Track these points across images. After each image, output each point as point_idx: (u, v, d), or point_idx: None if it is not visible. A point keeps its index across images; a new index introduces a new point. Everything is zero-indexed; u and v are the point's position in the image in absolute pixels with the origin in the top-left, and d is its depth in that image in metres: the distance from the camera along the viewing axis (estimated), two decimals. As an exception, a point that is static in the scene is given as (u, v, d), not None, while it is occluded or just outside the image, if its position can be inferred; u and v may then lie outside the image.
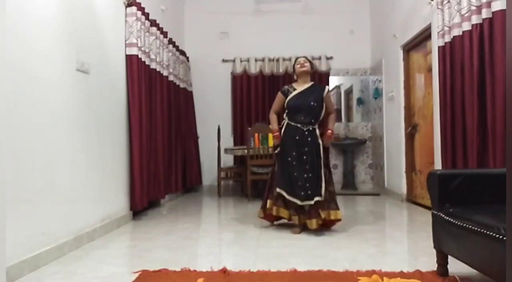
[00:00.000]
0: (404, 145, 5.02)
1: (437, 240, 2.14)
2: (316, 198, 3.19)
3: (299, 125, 3.33)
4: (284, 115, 3.47)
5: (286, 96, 3.44)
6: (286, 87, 3.51)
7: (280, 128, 3.45)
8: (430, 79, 4.24)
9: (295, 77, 3.54)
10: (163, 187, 4.62)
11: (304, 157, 3.27)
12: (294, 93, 3.41)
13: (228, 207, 4.93)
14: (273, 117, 3.58)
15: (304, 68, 3.42)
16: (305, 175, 3.25)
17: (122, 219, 3.67)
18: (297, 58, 3.54)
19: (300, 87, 3.44)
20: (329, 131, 3.40)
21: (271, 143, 5.22)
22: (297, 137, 3.30)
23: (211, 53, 6.60)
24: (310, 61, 3.50)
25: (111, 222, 3.43)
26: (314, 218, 3.18)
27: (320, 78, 6.44)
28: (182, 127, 5.65)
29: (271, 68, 6.49)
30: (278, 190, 3.33)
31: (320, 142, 3.32)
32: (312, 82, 3.50)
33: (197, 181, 6.16)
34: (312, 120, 3.33)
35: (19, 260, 2.22)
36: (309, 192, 3.21)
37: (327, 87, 3.51)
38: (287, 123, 3.40)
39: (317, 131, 3.35)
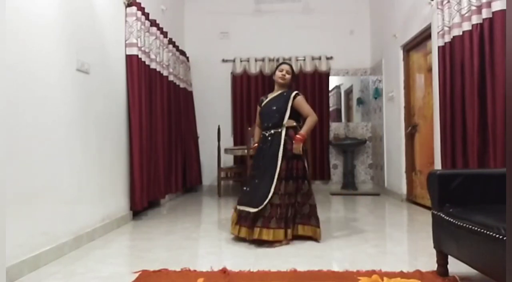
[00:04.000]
0: (404, 145, 5.02)
1: (437, 240, 2.14)
2: (249, 209, 2.92)
3: (264, 132, 3.19)
4: None
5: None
6: (262, 98, 3.39)
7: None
8: (430, 79, 4.23)
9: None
10: (163, 187, 4.62)
11: (261, 163, 3.08)
12: (264, 101, 3.30)
13: (228, 207, 4.93)
14: (256, 131, 3.40)
15: (282, 82, 3.22)
16: (256, 180, 3.05)
17: (122, 219, 3.67)
18: (281, 63, 3.30)
19: (272, 95, 3.29)
20: (298, 136, 3.04)
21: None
22: (262, 145, 3.17)
23: (211, 53, 6.60)
24: (293, 72, 3.28)
25: (111, 222, 3.43)
26: (258, 227, 2.88)
27: (320, 78, 6.46)
28: (182, 127, 5.65)
29: (271, 68, 6.48)
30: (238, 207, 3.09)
31: (282, 146, 3.01)
32: (283, 90, 3.25)
33: (197, 181, 6.16)
34: (270, 124, 3.12)
35: (19, 260, 2.22)
36: (251, 199, 2.98)
37: (294, 92, 3.18)
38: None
39: (283, 134, 3.05)
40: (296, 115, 3.18)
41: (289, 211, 2.96)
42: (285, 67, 3.25)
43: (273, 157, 3.01)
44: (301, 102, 3.17)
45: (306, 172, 3.07)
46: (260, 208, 2.89)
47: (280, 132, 3.08)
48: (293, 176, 3.01)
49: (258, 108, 3.40)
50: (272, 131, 3.11)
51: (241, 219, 3.02)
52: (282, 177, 2.97)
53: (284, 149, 3.02)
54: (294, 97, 3.15)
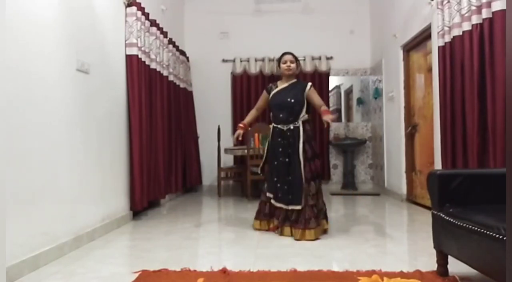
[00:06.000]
0: (404, 145, 5.02)
1: (437, 240, 2.14)
2: (294, 207, 3.10)
3: (279, 126, 3.24)
4: (271, 117, 3.39)
5: (270, 94, 3.37)
6: (270, 84, 3.46)
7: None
8: (430, 79, 4.23)
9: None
10: (163, 187, 4.62)
11: (287, 160, 3.19)
12: (275, 90, 3.33)
13: (228, 207, 4.93)
14: (251, 112, 3.58)
15: (290, 72, 3.29)
16: (288, 178, 3.18)
17: (122, 219, 3.67)
18: (283, 54, 3.33)
19: (282, 84, 3.35)
20: (326, 108, 3.19)
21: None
22: (279, 139, 3.24)
23: (211, 53, 6.60)
24: (296, 60, 3.32)
25: (111, 222, 3.43)
26: (300, 229, 3.03)
27: (320, 78, 6.46)
28: (182, 127, 5.65)
29: (271, 68, 6.49)
30: (267, 194, 3.34)
31: (301, 144, 3.13)
32: (295, 80, 3.35)
33: (197, 181, 6.16)
34: (290, 119, 3.19)
35: (19, 260, 2.22)
36: (290, 197, 3.15)
37: (309, 83, 3.32)
38: (272, 126, 3.32)
39: (301, 129, 3.17)
40: (307, 106, 3.27)
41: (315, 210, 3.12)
42: (288, 57, 3.28)
43: (298, 157, 3.13)
44: (315, 94, 3.29)
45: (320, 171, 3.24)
46: (301, 206, 3.06)
47: (297, 128, 3.18)
48: (314, 176, 3.14)
49: (265, 93, 3.44)
50: (291, 126, 3.19)
51: (279, 218, 3.20)
52: (309, 177, 3.12)
53: (304, 150, 3.13)
54: (310, 88, 3.25)
